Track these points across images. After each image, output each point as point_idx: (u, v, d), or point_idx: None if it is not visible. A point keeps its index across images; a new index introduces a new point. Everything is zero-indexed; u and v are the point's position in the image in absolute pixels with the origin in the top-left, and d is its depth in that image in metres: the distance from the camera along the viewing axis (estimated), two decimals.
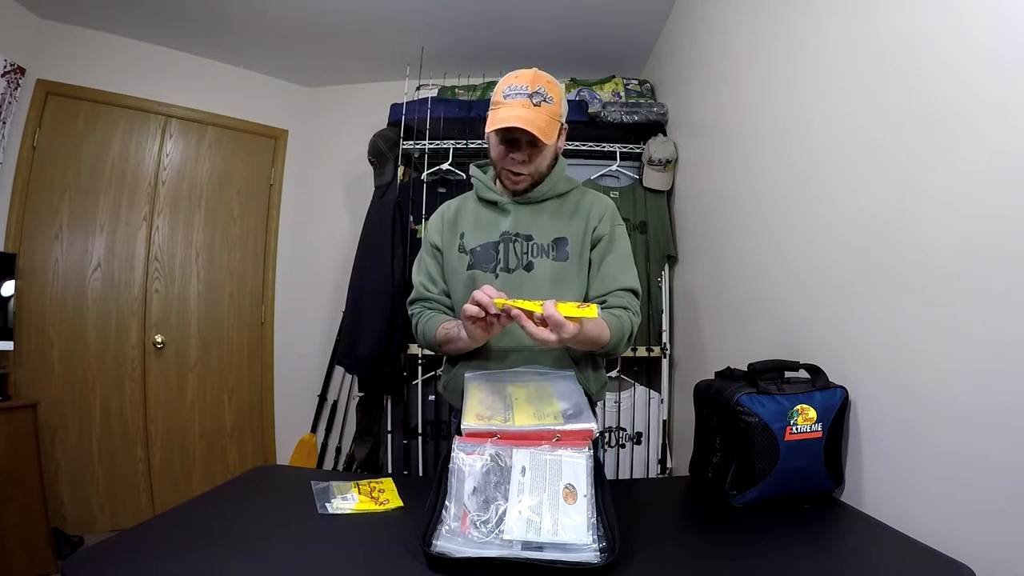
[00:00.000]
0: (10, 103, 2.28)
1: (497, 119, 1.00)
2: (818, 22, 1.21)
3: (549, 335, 0.82)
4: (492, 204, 1.15)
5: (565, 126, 1.11)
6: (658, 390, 2.25)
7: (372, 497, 0.90)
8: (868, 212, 1.01)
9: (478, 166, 1.20)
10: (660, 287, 2.23)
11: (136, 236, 2.61)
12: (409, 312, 1.19)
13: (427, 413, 2.23)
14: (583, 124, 2.37)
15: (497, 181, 1.15)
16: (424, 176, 2.31)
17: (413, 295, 1.18)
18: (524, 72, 1.04)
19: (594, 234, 1.11)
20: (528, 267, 1.09)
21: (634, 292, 1.11)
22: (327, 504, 0.86)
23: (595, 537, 0.65)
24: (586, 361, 1.12)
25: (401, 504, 0.88)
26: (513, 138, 1.04)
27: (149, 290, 2.62)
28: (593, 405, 1.02)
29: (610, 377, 2.08)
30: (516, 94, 1.01)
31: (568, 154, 2.37)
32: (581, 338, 0.87)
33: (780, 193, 1.36)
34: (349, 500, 0.88)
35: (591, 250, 1.12)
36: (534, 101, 1.00)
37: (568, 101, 2.40)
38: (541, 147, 1.04)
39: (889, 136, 0.96)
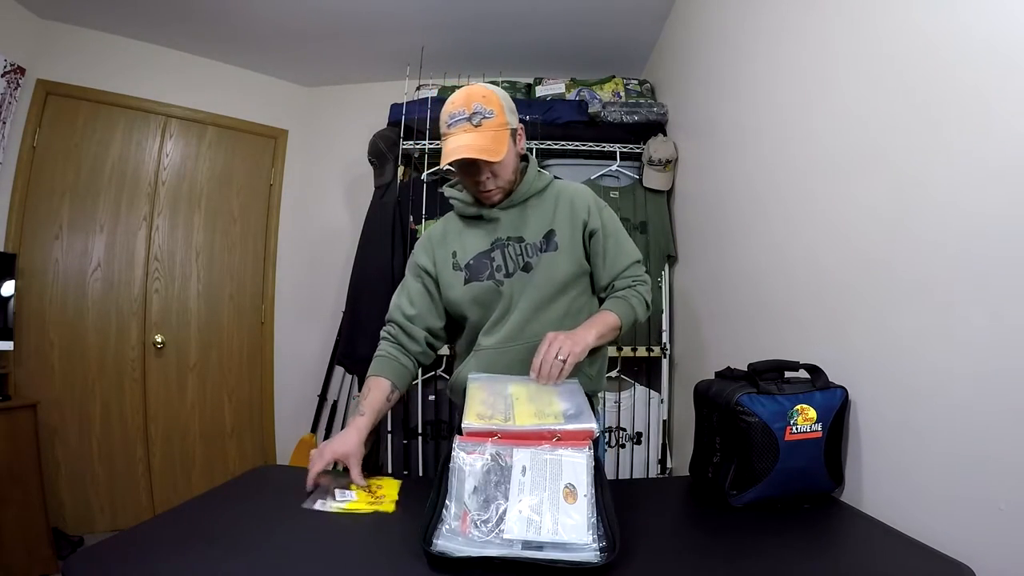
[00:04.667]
0: (10, 103, 2.28)
1: (446, 153, 1.03)
2: (818, 21, 1.21)
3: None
4: (477, 218, 1.16)
5: (520, 128, 1.12)
6: (658, 390, 2.25)
7: (372, 497, 0.90)
8: (868, 211, 1.01)
9: (451, 186, 1.21)
10: (660, 287, 2.23)
11: (136, 236, 2.60)
12: (381, 332, 1.17)
13: (427, 413, 2.22)
14: (583, 124, 2.37)
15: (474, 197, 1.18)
16: (424, 176, 2.31)
17: (388, 315, 1.17)
18: (458, 95, 1.05)
19: (586, 229, 1.14)
20: (526, 268, 1.11)
21: (636, 262, 1.17)
22: (327, 504, 0.86)
23: (595, 537, 0.66)
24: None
25: (401, 504, 0.88)
26: (469, 163, 1.05)
27: (149, 290, 2.62)
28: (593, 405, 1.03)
29: (610, 377, 2.08)
30: (456, 121, 1.03)
31: (568, 154, 2.41)
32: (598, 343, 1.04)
33: (780, 193, 1.36)
34: (348, 499, 0.88)
35: (588, 241, 1.15)
36: (474, 123, 1.02)
37: (568, 101, 2.46)
38: (498, 161, 1.05)
39: (889, 135, 0.96)
